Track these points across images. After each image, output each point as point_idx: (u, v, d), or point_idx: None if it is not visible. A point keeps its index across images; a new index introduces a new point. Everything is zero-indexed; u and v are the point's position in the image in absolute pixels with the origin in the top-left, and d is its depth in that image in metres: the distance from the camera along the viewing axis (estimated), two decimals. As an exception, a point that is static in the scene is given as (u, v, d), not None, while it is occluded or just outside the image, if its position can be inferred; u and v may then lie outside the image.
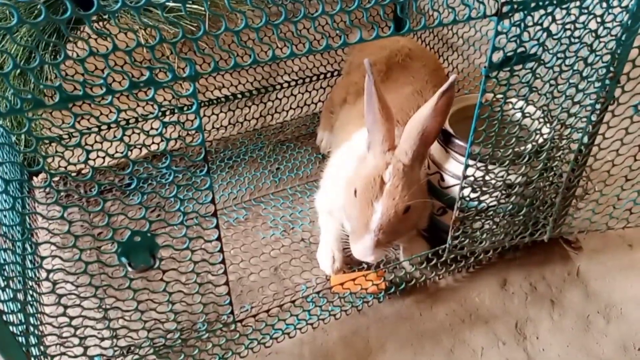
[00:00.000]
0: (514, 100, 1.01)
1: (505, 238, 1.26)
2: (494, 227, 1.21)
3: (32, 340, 0.93)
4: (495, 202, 1.16)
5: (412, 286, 1.27)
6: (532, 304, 1.26)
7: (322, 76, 1.82)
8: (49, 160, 1.42)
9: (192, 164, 1.35)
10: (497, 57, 0.87)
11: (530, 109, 1.06)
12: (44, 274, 0.81)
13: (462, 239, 1.20)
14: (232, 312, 1.04)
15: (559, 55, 0.93)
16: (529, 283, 1.31)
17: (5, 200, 1.01)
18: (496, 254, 1.33)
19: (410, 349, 1.17)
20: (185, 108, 1.55)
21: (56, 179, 1.53)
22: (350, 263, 1.29)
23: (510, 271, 1.34)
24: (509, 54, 0.87)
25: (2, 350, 0.79)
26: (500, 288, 1.30)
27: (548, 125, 1.12)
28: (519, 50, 0.87)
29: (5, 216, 1.04)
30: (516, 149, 1.06)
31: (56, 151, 1.42)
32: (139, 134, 1.52)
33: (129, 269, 0.78)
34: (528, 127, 1.18)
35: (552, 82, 0.97)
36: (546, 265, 1.35)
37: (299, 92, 1.80)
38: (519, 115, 1.03)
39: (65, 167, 1.40)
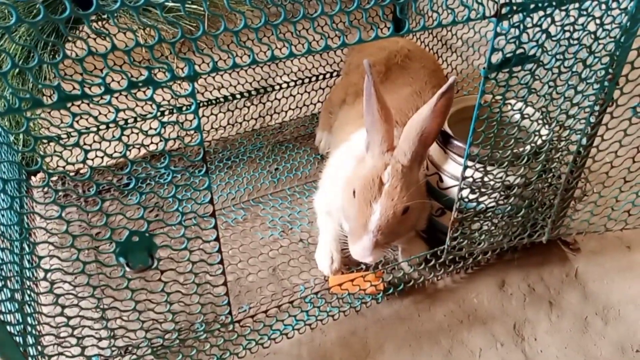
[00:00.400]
0: (512, 101, 1.01)
1: (504, 239, 1.26)
2: (493, 228, 1.21)
3: (30, 340, 0.93)
4: (493, 204, 1.16)
5: (411, 287, 1.27)
6: (530, 305, 1.26)
7: (321, 77, 1.82)
8: (47, 159, 1.42)
9: (191, 164, 1.35)
10: (496, 58, 0.87)
11: (529, 110, 1.06)
12: (41, 274, 0.80)
13: (461, 240, 1.20)
14: (230, 313, 1.04)
15: (557, 56, 0.93)
16: (527, 284, 1.31)
17: (3, 200, 1.01)
18: (494, 255, 1.33)
19: (409, 350, 1.17)
20: (184, 108, 1.56)
21: (54, 178, 1.52)
22: (348, 264, 1.29)
23: (509, 272, 1.34)
24: (508, 55, 0.87)
25: (-1, 350, 0.79)
26: (498, 289, 1.30)
27: (547, 126, 1.12)
28: (518, 51, 0.88)
29: (3, 215, 1.04)
30: (515, 151, 1.06)
31: (54, 151, 1.42)
32: (137, 133, 1.52)
33: (127, 269, 0.78)
34: (527, 129, 1.18)
35: (551, 83, 0.97)
36: (544, 267, 1.35)
37: (298, 93, 1.80)
38: (517, 116, 1.03)
39: (64, 167, 1.39)
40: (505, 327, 1.22)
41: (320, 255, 1.30)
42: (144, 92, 0.69)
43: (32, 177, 1.54)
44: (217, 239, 0.90)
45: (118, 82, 0.69)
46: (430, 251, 1.23)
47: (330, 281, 1.25)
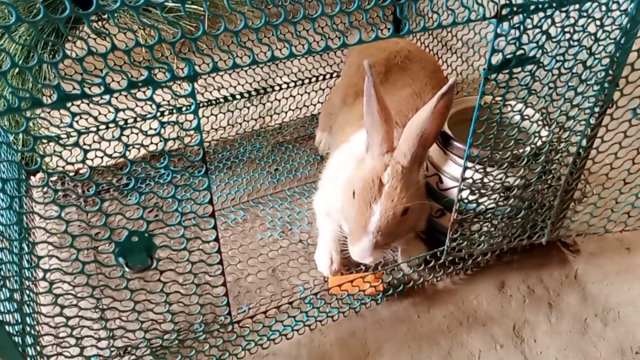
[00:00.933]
0: (512, 102, 1.01)
1: (504, 241, 1.26)
2: (492, 229, 1.21)
3: (29, 340, 0.93)
4: (493, 205, 1.16)
5: (410, 288, 1.27)
6: (529, 306, 1.26)
7: (321, 78, 1.82)
8: (47, 159, 1.41)
9: (191, 164, 1.35)
10: (496, 59, 0.87)
11: (529, 111, 1.06)
12: (40, 274, 0.80)
13: (460, 241, 1.20)
14: (229, 313, 1.04)
15: (558, 58, 0.93)
16: (527, 286, 1.31)
17: (3, 199, 1.01)
18: (494, 256, 1.32)
19: (408, 352, 1.17)
20: (184, 108, 1.55)
21: (54, 178, 1.52)
22: (348, 265, 1.29)
23: (508, 274, 1.33)
24: (508, 57, 0.87)
25: (-2, 350, 0.79)
26: (498, 291, 1.30)
27: (547, 128, 1.12)
28: (518, 52, 0.88)
29: (2, 215, 1.04)
30: (515, 152, 1.06)
31: (54, 150, 1.42)
32: (137, 134, 1.52)
33: (126, 269, 0.78)
34: (527, 130, 1.18)
35: (551, 85, 0.97)
36: (544, 268, 1.35)
37: (298, 94, 1.80)
38: (517, 117, 1.03)
39: (63, 167, 1.39)
40: (505, 328, 1.22)
41: (319, 256, 1.30)
42: (144, 92, 0.69)
43: (32, 177, 1.54)
44: (216, 240, 0.90)
45: (118, 82, 0.69)
46: (430, 252, 1.23)
47: (329, 282, 1.25)
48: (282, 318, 1.15)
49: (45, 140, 1.41)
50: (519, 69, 0.90)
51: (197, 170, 0.80)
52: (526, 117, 1.03)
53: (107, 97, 0.64)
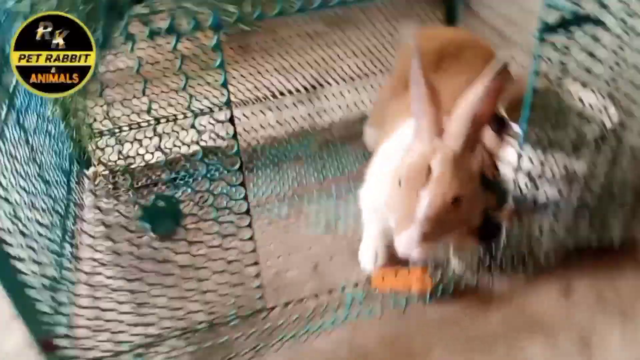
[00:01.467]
0: (571, 80, 0.91)
1: (568, 239, 1.15)
2: (555, 225, 1.10)
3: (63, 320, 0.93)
4: (554, 196, 1.05)
5: (462, 289, 1.18)
6: (599, 314, 1.13)
7: (371, 75, 1.78)
8: (98, 153, 1.45)
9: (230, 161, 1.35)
10: (552, 18, 0.78)
11: (592, 86, 0.95)
12: (81, 262, 0.81)
13: (519, 238, 1.10)
14: (264, 302, 1.00)
15: (623, 15, 0.83)
16: (596, 291, 1.17)
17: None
18: (558, 257, 1.20)
19: (460, 356, 1.07)
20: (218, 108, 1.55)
21: (105, 172, 1.55)
22: (393, 263, 1.22)
23: (574, 277, 1.21)
24: (564, 15, 0.78)
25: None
26: (562, 295, 1.17)
27: (611, 108, 1.01)
28: (576, 10, 0.78)
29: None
30: (576, 137, 0.96)
31: (106, 145, 1.46)
32: (187, 129, 1.53)
33: (151, 234, 0.77)
34: (588, 113, 1.07)
35: (616, 50, 0.86)
36: (616, 272, 1.21)
37: (348, 92, 1.77)
38: (578, 97, 0.93)
39: (115, 161, 1.43)
40: (570, 336, 1.09)
41: (363, 251, 1.24)
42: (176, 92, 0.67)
43: (84, 170, 1.58)
44: (251, 238, 0.87)
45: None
46: (485, 250, 1.14)
47: (373, 278, 1.18)
48: (322, 312, 1.11)
49: (97, 135, 1.46)
50: (577, 29, 0.80)
51: (236, 167, 0.80)
52: (587, 96, 0.93)
53: (129, 44, 0.62)
